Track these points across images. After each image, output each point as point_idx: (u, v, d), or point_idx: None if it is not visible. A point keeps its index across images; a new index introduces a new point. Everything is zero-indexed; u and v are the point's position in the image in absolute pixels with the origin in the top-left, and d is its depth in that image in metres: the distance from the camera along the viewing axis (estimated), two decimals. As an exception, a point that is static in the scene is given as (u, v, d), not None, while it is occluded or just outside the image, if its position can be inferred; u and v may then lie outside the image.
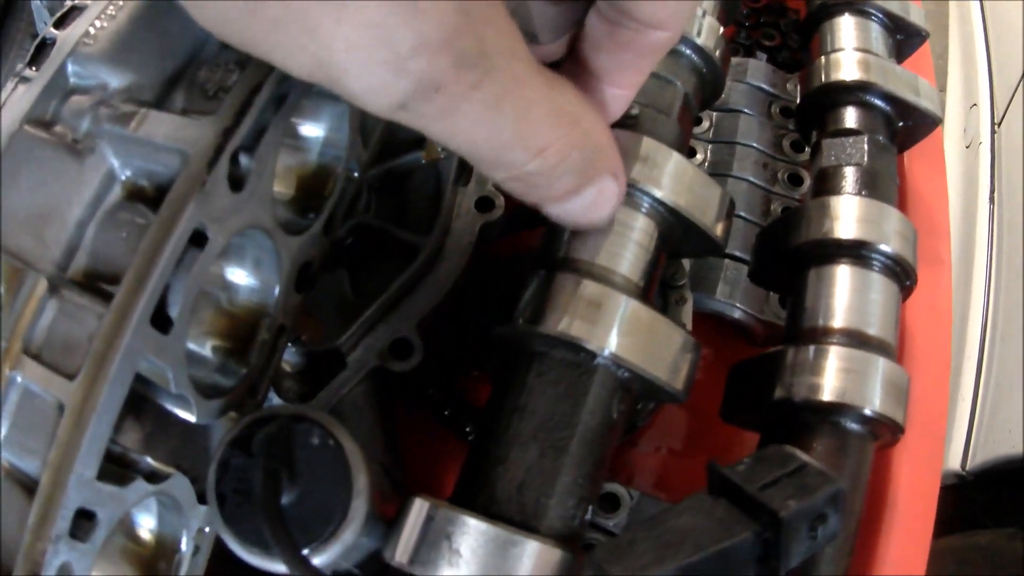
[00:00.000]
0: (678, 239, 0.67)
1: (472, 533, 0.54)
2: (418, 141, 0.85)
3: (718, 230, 0.68)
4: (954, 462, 2.08)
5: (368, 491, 0.53)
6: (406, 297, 0.80)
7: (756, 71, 1.15)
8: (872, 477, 0.71)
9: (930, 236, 0.95)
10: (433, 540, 0.54)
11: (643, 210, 0.64)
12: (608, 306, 0.59)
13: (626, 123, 0.69)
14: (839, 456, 0.67)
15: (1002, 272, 2.24)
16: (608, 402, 0.60)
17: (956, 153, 2.80)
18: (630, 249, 0.63)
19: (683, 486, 0.94)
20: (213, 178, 0.50)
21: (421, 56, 0.39)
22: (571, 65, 0.56)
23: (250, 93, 0.52)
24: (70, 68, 0.54)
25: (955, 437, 2.11)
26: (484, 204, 0.88)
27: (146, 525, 0.59)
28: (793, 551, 0.50)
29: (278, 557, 0.50)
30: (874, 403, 0.67)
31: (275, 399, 0.75)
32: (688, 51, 0.78)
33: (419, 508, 0.56)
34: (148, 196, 0.52)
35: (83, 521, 0.48)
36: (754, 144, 1.07)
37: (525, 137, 0.47)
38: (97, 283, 0.50)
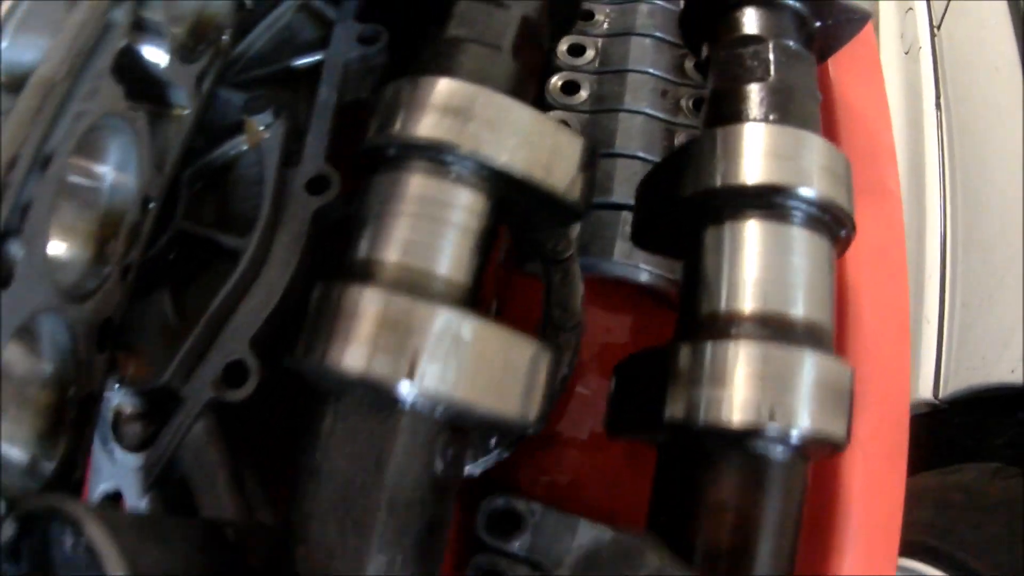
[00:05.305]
0: (522, 210, 0.50)
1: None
2: (237, 125, 0.72)
3: (574, 189, 0.50)
4: (925, 391, 1.96)
5: None
6: (235, 311, 0.68)
7: (646, -13, 0.97)
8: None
9: (872, 162, 0.80)
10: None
11: (463, 180, 0.47)
12: (416, 326, 0.44)
13: (441, 66, 0.52)
14: (756, 493, 0.50)
15: (956, 184, 2.13)
16: (426, 453, 0.46)
17: (895, 61, 2.68)
18: (447, 237, 0.47)
19: (598, 482, 0.80)
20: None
21: None
22: None
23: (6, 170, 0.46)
24: None
25: (924, 362, 1.99)
26: (317, 184, 0.72)
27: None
28: None
29: None
30: (802, 422, 0.51)
31: (116, 449, 0.65)
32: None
33: None
34: None
35: None
36: (649, 69, 0.91)
37: None
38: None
